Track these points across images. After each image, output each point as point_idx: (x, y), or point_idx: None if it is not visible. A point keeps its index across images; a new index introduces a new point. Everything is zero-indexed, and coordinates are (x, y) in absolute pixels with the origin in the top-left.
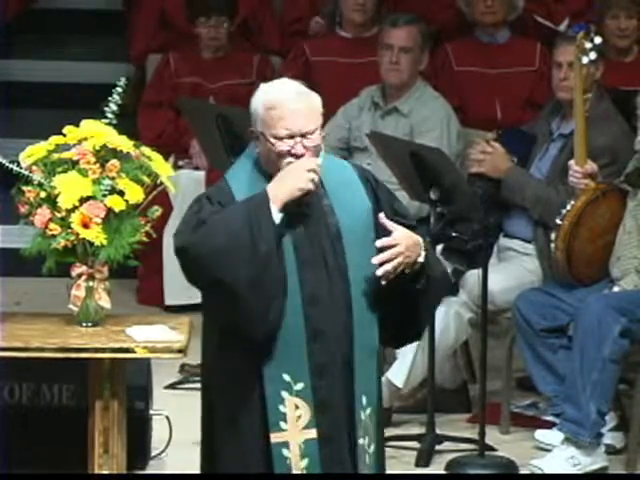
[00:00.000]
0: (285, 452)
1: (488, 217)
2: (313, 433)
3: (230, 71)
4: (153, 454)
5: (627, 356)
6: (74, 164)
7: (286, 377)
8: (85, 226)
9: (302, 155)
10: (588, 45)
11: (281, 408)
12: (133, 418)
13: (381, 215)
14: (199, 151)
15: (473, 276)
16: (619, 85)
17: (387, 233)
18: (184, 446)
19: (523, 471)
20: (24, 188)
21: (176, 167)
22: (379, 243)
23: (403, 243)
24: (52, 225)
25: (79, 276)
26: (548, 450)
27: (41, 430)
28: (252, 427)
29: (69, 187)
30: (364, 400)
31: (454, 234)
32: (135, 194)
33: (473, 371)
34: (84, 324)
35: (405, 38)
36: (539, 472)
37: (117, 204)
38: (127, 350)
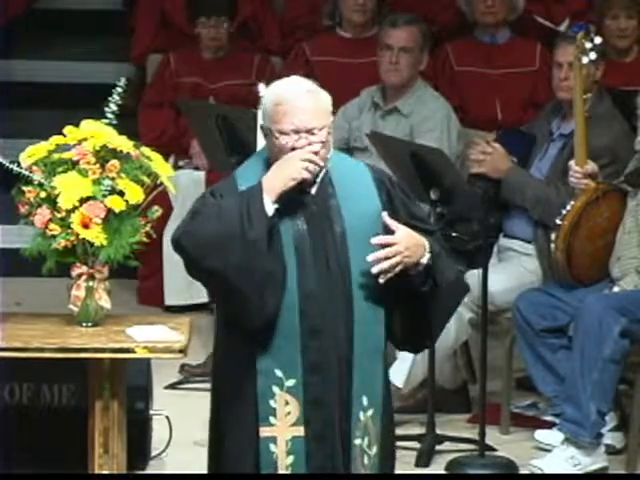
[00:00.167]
0: (272, 447)
1: (488, 217)
2: (301, 431)
3: (230, 71)
4: (153, 454)
5: (627, 356)
6: (74, 164)
7: (278, 372)
8: (85, 226)
9: None
10: (588, 45)
11: (272, 403)
12: (133, 418)
13: (384, 214)
14: (199, 151)
15: (473, 276)
16: (619, 85)
17: (391, 233)
18: (184, 446)
19: (523, 471)
20: (24, 188)
21: (176, 167)
22: (375, 240)
23: (403, 243)
24: (52, 225)
25: (79, 276)
26: (548, 450)
27: (41, 430)
28: (247, 418)
29: (69, 187)
30: (365, 401)
31: (454, 234)
32: (135, 194)
33: (473, 371)
34: (84, 324)
35: (405, 38)
36: (539, 472)
37: (117, 204)
38: (127, 350)
